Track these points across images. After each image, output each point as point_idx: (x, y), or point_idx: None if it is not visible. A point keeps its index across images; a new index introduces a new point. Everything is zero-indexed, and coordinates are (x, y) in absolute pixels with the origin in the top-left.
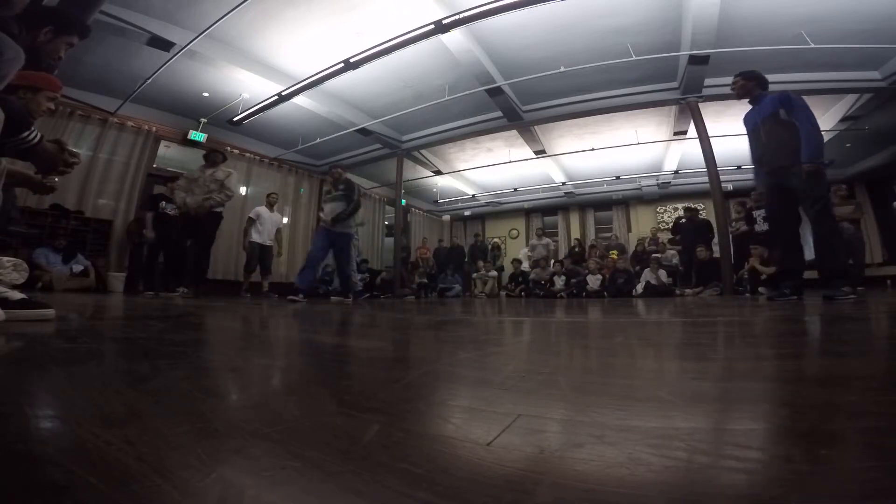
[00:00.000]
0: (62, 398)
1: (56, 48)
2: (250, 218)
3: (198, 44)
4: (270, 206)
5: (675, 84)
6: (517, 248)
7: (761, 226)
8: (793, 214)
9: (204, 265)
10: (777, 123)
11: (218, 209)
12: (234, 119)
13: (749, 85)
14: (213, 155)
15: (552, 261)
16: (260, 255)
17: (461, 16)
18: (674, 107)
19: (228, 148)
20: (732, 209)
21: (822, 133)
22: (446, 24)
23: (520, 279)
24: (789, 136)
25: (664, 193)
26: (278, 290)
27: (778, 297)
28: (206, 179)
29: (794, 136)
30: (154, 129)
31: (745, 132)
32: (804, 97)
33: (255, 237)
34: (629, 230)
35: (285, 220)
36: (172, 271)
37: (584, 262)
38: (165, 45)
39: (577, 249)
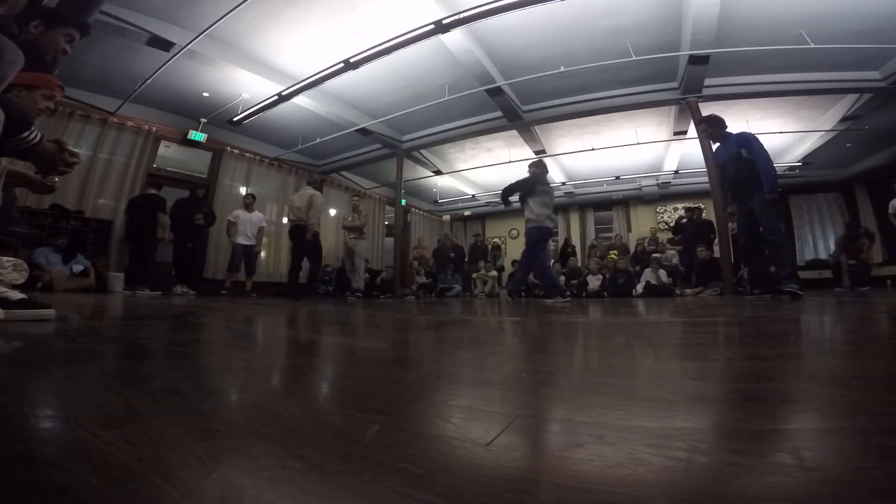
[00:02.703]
0: (62, 398)
1: (53, 40)
2: (230, 221)
3: (198, 44)
4: (247, 207)
5: (675, 84)
6: (517, 249)
7: None
8: (756, 233)
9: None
10: (740, 161)
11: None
12: (234, 119)
13: (716, 130)
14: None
15: (552, 261)
16: (245, 256)
17: (461, 16)
18: (674, 107)
19: (228, 148)
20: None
21: (823, 133)
22: (446, 24)
23: None
24: (750, 171)
25: (664, 193)
26: (266, 291)
27: (748, 296)
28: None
29: (753, 171)
30: (154, 129)
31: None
32: (808, 96)
33: (240, 239)
34: (629, 230)
35: (285, 220)
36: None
37: (567, 262)
38: (165, 45)
39: (569, 250)
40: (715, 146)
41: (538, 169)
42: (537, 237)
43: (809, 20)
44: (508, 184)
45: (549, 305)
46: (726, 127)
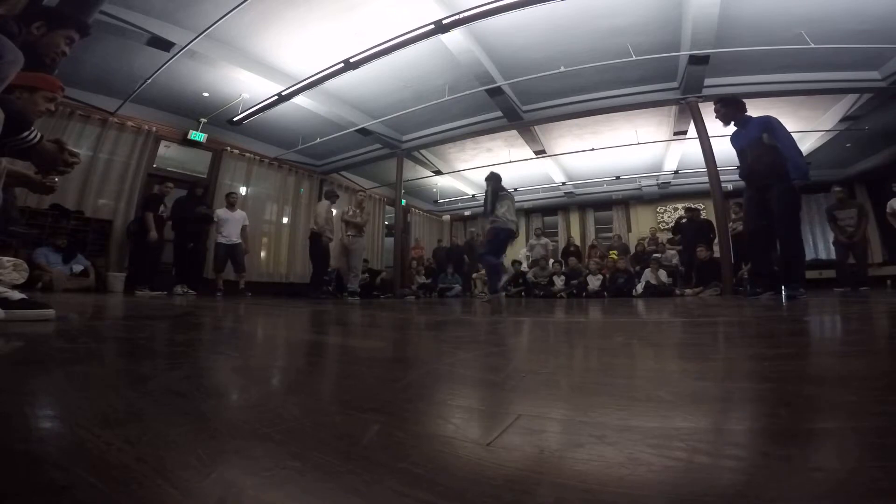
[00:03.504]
0: (62, 398)
1: (54, 41)
2: (213, 221)
3: (198, 44)
4: (231, 205)
5: (675, 84)
6: (517, 249)
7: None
8: (769, 225)
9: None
10: (761, 146)
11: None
12: (234, 119)
13: (729, 111)
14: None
15: (551, 261)
16: (230, 255)
17: (461, 16)
18: (674, 107)
19: (228, 148)
20: (731, 209)
21: (823, 133)
22: (446, 24)
23: (520, 280)
24: (771, 157)
25: (664, 193)
26: (267, 291)
27: (750, 296)
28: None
29: (775, 157)
30: (154, 129)
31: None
32: (808, 96)
33: (220, 239)
34: (629, 230)
35: (285, 220)
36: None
37: (580, 262)
38: (165, 45)
39: (571, 249)
40: (732, 130)
41: (494, 182)
42: (504, 237)
43: (809, 20)
44: (483, 207)
45: (485, 301)
46: (744, 110)
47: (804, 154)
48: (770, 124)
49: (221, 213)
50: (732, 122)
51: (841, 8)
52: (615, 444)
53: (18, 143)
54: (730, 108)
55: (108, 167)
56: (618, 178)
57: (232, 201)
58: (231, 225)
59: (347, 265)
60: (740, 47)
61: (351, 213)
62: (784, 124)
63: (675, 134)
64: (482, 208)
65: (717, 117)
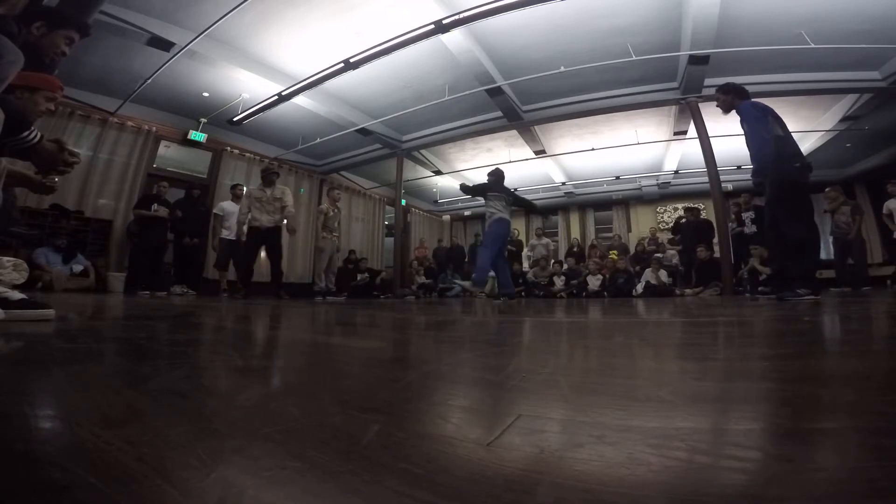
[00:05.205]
0: (62, 398)
1: (54, 42)
2: (215, 214)
3: (198, 44)
4: (237, 197)
5: (675, 84)
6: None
7: (749, 227)
8: (772, 224)
9: (277, 269)
10: (745, 135)
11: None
12: (234, 119)
13: (729, 98)
14: (270, 175)
15: (552, 261)
16: (232, 252)
17: (461, 16)
18: (674, 107)
19: (228, 148)
20: (731, 209)
21: (823, 133)
22: (446, 24)
23: (520, 280)
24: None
25: (664, 193)
26: (268, 291)
27: (751, 296)
28: (269, 198)
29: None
30: (154, 129)
31: (742, 132)
32: (808, 96)
33: (224, 234)
34: (629, 230)
35: (284, 220)
36: (169, 271)
37: (584, 262)
38: (165, 45)
39: (575, 249)
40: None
41: (495, 176)
42: (506, 230)
43: (809, 20)
44: (474, 185)
45: (457, 293)
46: (746, 97)
47: (805, 153)
48: (740, 113)
49: (227, 205)
50: (734, 111)
51: (841, 8)
52: (615, 444)
53: (18, 143)
54: (729, 96)
55: (108, 167)
56: (618, 178)
57: (238, 193)
58: (235, 219)
59: (327, 265)
60: (740, 47)
61: (332, 213)
62: (767, 113)
63: (675, 134)
64: (481, 194)
65: (717, 105)
